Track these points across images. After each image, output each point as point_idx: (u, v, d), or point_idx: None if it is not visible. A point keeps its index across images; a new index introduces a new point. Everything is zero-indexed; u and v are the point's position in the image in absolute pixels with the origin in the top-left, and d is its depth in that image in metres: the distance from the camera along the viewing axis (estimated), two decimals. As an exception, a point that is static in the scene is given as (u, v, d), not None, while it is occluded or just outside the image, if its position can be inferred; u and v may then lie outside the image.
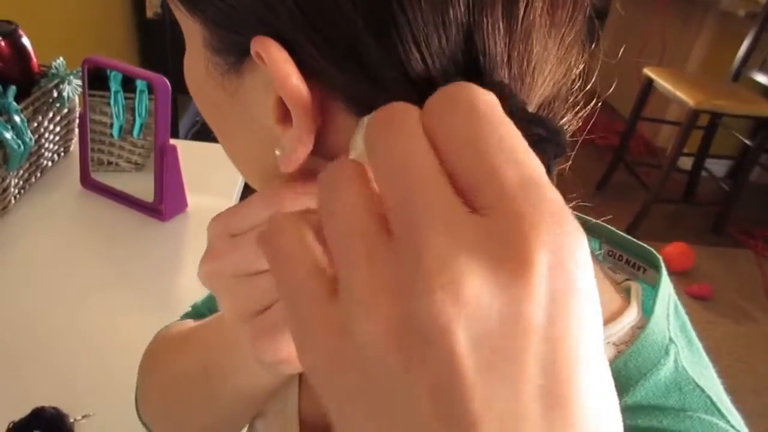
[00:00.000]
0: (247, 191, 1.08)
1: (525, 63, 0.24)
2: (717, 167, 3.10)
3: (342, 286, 0.18)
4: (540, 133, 0.22)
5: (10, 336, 0.72)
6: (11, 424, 0.60)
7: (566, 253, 0.16)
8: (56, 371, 0.68)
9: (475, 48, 0.22)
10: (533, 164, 0.18)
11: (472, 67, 0.23)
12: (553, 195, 0.17)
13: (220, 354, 0.40)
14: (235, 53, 0.26)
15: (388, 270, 0.17)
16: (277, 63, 0.23)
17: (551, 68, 0.25)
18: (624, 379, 0.29)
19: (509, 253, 0.16)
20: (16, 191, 0.93)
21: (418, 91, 0.23)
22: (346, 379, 0.17)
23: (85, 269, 0.85)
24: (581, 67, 0.27)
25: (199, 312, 0.55)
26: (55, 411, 0.62)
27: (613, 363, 0.30)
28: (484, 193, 0.17)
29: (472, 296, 0.16)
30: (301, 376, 0.45)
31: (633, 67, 2.81)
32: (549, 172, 0.23)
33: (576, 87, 0.27)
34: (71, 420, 0.62)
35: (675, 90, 2.52)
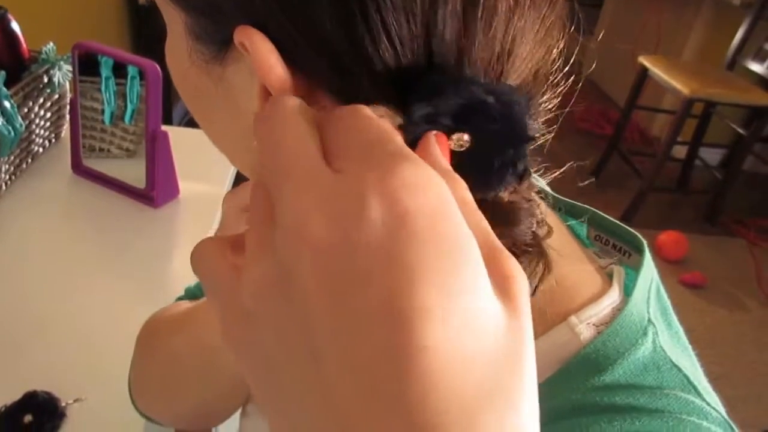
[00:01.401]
0: (239, 178, 1.08)
1: (490, 47, 0.24)
2: (711, 156, 3.11)
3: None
4: (502, 98, 0.23)
5: (2, 321, 0.72)
6: (3, 408, 0.60)
7: (397, 193, 0.18)
8: (48, 356, 0.68)
9: (433, 36, 0.23)
10: (382, 128, 0.20)
11: (433, 55, 0.23)
12: (396, 149, 0.19)
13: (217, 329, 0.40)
14: (218, 42, 0.26)
15: (264, 233, 0.19)
16: (260, 53, 0.23)
17: (530, 49, 0.25)
18: (602, 358, 0.30)
19: (346, 200, 0.18)
20: (7, 177, 0.93)
21: (391, 81, 0.23)
22: (251, 347, 0.20)
23: (77, 255, 0.84)
24: (561, 46, 0.27)
25: (192, 295, 0.55)
26: (47, 395, 0.62)
27: (591, 343, 0.30)
28: (339, 153, 0.20)
29: (316, 237, 0.18)
30: None
31: (628, 56, 2.81)
32: (527, 127, 0.24)
33: (557, 66, 0.28)
34: (63, 404, 0.62)
35: (669, 79, 2.51)
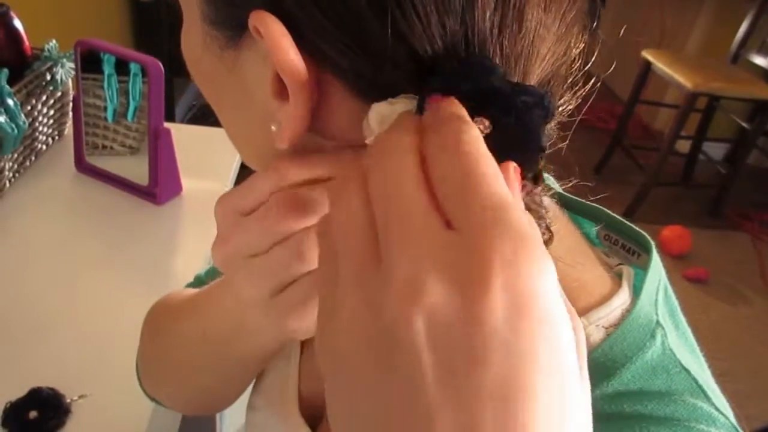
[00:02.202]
0: (242, 176, 1.08)
1: (520, 40, 0.24)
2: (714, 150, 3.10)
3: (335, 304, 0.20)
4: (526, 100, 0.23)
5: (6, 318, 0.72)
6: (8, 405, 0.61)
7: (524, 275, 0.18)
8: (53, 353, 0.68)
9: (466, 26, 0.23)
10: (502, 191, 0.19)
11: (464, 45, 0.23)
12: (518, 219, 0.19)
13: (221, 321, 0.40)
14: (233, 27, 0.26)
15: (369, 289, 0.19)
16: (274, 37, 0.23)
17: (550, 46, 0.25)
18: (610, 363, 0.29)
19: (470, 273, 0.18)
20: (11, 175, 0.93)
21: (418, 70, 0.23)
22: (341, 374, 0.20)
23: (80, 252, 0.85)
24: (581, 45, 0.27)
25: (202, 282, 0.56)
26: (51, 391, 0.62)
27: (599, 347, 0.30)
28: (458, 213, 0.19)
29: (432, 303, 0.18)
30: (302, 353, 0.46)
31: (632, 50, 2.80)
32: (540, 138, 0.23)
33: (575, 66, 0.27)
34: (68, 400, 0.62)
35: (673, 73, 2.51)
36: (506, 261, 0.18)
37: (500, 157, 0.23)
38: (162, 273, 0.83)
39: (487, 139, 0.23)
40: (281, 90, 0.25)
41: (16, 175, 0.95)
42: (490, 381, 0.17)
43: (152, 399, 0.54)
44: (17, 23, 0.95)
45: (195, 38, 0.28)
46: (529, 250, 0.18)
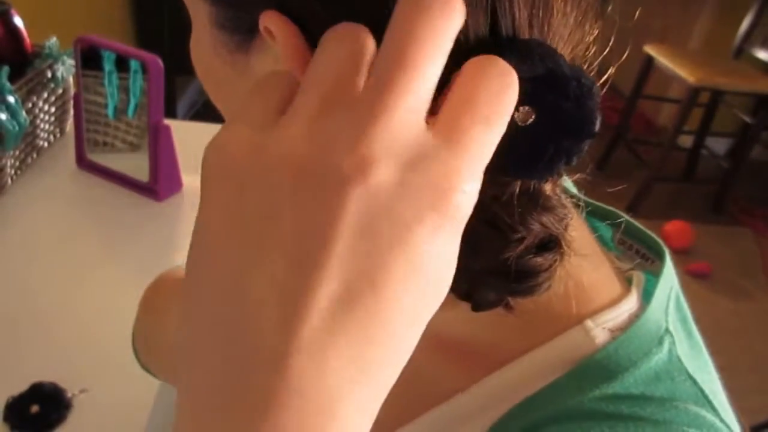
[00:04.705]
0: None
1: (546, 28, 0.23)
2: (717, 145, 3.09)
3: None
4: (586, 83, 0.22)
5: (8, 313, 0.73)
6: (10, 399, 0.61)
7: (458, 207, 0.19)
8: (54, 347, 0.69)
9: (497, 16, 0.22)
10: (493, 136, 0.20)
11: (496, 36, 0.22)
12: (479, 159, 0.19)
13: None
14: (243, 31, 0.25)
15: (331, 116, 0.19)
16: (287, 39, 0.22)
17: (570, 33, 0.24)
18: (613, 366, 0.28)
19: (437, 186, 0.18)
20: (13, 172, 0.94)
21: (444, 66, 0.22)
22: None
23: (82, 248, 0.85)
24: (596, 32, 0.26)
25: None
26: (53, 386, 0.63)
27: (604, 348, 0.29)
28: (450, 123, 0.19)
29: (375, 182, 0.18)
30: None
31: (634, 44, 2.79)
32: (596, 121, 0.23)
33: (590, 53, 0.26)
34: (69, 395, 0.63)
35: (675, 67, 2.50)
36: (459, 186, 0.19)
37: (549, 143, 0.22)
38: (162, 269, 0.83)
39: (532, 125, 0.22)
40: None
41: (18, 172, 0.96)
42: (392, 263, 0.18)
43: (145, 369, 0.54)
44: (18, 21, 0.95)
45: (204, 43, 0.28)
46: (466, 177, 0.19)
